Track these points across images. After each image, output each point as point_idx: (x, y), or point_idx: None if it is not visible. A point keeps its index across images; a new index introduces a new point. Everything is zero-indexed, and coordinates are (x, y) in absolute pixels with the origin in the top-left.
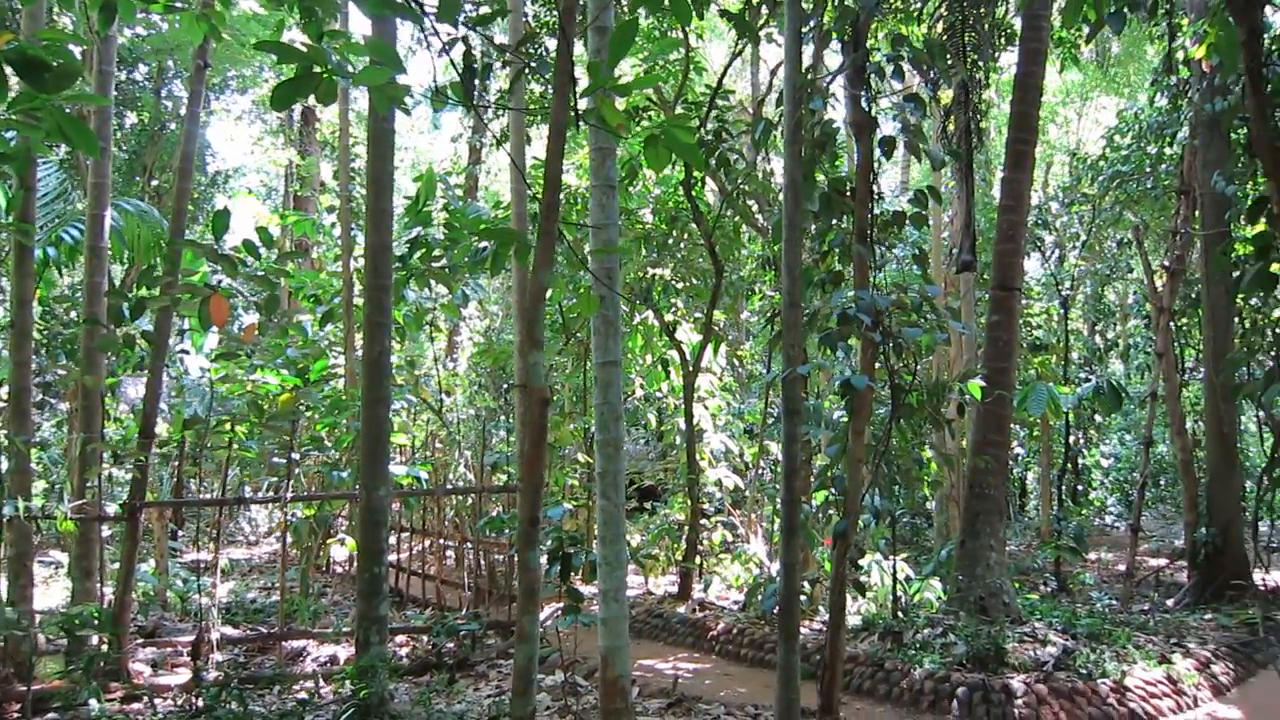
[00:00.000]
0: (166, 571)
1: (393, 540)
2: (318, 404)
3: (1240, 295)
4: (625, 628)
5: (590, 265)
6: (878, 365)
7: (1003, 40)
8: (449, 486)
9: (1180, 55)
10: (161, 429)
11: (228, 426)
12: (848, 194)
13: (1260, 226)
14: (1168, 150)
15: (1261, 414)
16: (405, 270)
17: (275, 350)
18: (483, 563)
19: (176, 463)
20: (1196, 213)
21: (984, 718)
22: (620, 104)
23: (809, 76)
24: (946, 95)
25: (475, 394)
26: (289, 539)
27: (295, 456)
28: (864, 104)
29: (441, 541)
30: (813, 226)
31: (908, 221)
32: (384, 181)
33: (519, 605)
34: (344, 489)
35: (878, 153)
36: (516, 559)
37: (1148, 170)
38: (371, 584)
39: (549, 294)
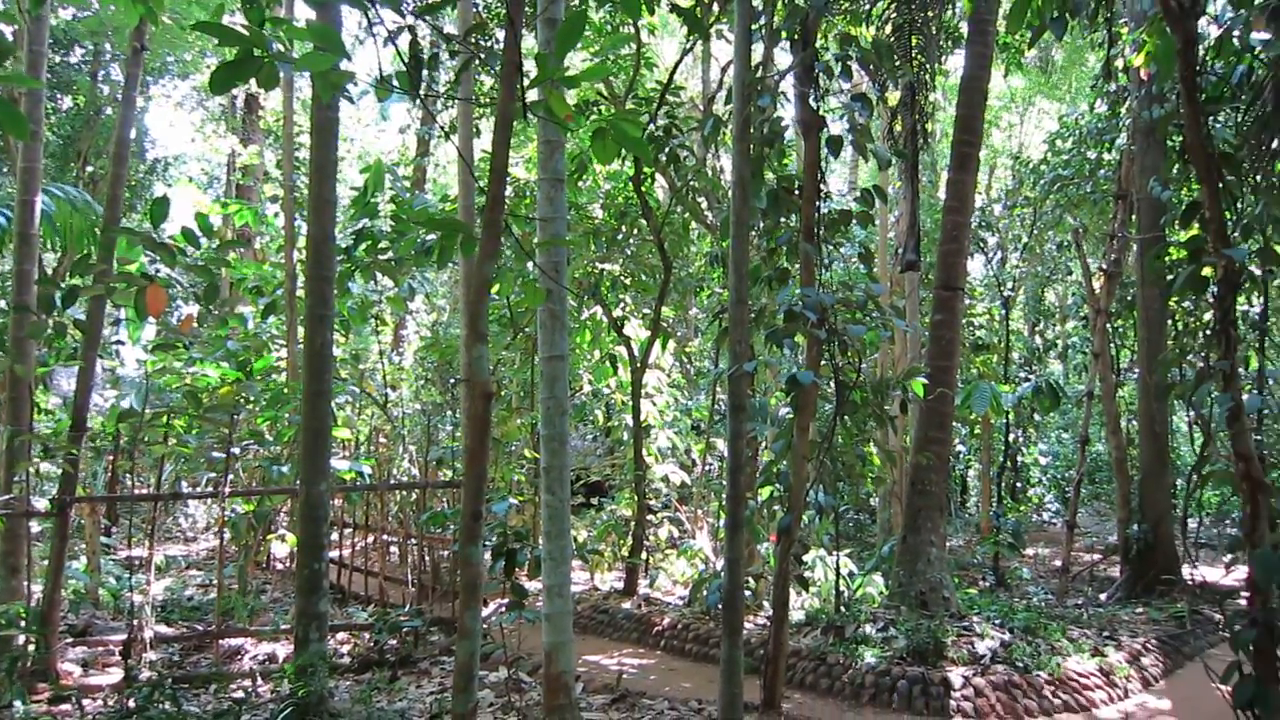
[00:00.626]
0: (99, 569)
1: (335, 536)
2: (259, 397)
3: (1173, 297)
4: (569, 624)
5: (537, 258)
6: (823, 362)
7: (949, 44)
8: (393, 481)
9: (1119, 63)
10: (95, 422)
11: (164, 420)
12: (795, 192)
13: (1193, 230)
14: (1106, 155)
15: (1192, 414)
16: (350, 262)
17: (216, 343)
18: (427, 558)
19: (111, 457)
20: (1133, 217)
21: (923, 710)
22: (570, 98)
23: (758, 74)
24: (894, 97)
25: (421, 389)
26: (227, 535)
27: (235, 451)
28: (812, 102)
29: (385, 537)
30: (760, 224)
31: (854, 220)
32: (327, 170)
33: (460, 601)
34: (285, 484)
35: (825, 151)
36: (459, 554)
37: (1087, 175)
38: (311, 580)
39: (496, 288)
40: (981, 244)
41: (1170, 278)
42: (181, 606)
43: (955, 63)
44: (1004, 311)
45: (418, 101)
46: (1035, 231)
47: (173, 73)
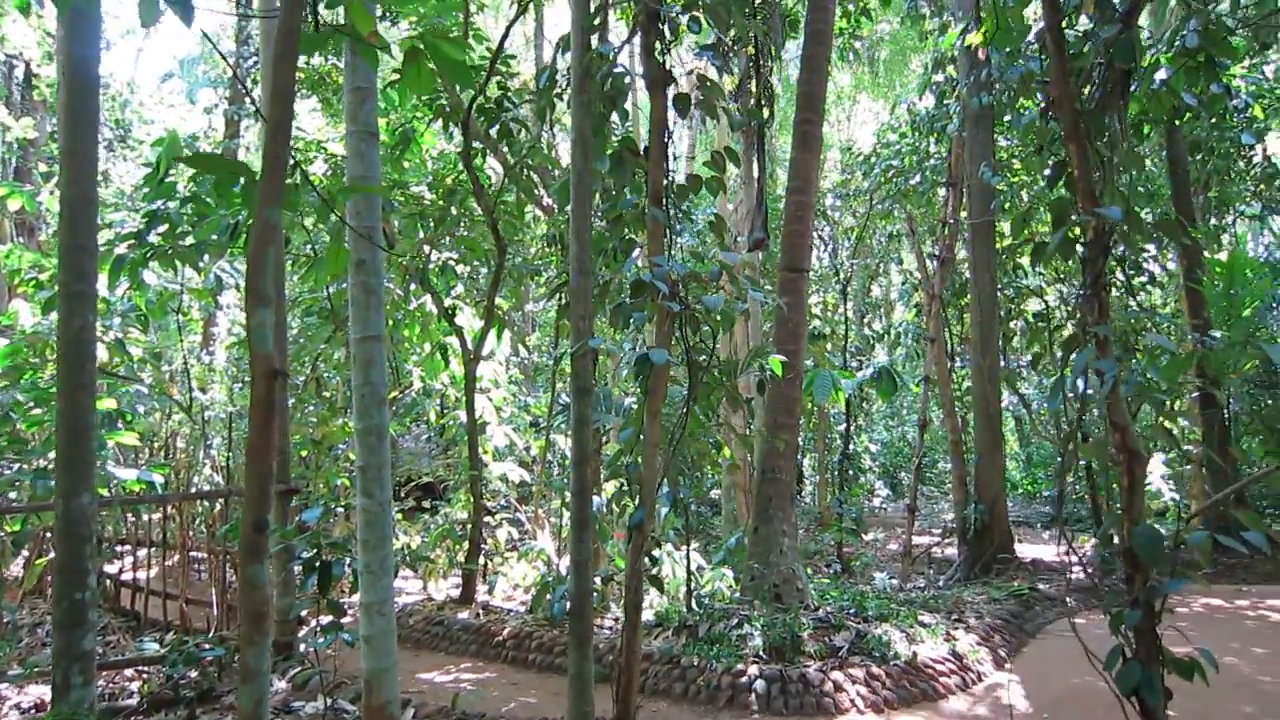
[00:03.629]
0: None
1: (130, 557)
2: (11, 400)
3: (1046, 262)
4: (392, 645)
5: (348, 221)
6: (673, 341)
7: (787, 29)
8: (194, 490)
9: (950, 52)
10: None
11: None
12: (640, 154)
13: (1048, 196)
14: (934, 148)
15: (1016, 399)
16: (144, 248)
17: None
18: (234, 577)
19: None
20: (964, 203)
21: (783, 710)
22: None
23: (596, 20)
24: (733, 81)
25: (238, 391)
26: None
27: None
28: (658, 56)
29: (191, 554)
30: (604, 188)
31: (704, 187)
32: (83, 119)
33: (242, 634)
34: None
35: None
36: (239, 574)
37: (916, 165)
38: (72, 613)
39: (314, 276)
40: (818, 233)
41: (1035, 245)
42: None
43: (796, 53)
44: (842, 299)
45: (189, 24)
46: (867, 223)
47: None
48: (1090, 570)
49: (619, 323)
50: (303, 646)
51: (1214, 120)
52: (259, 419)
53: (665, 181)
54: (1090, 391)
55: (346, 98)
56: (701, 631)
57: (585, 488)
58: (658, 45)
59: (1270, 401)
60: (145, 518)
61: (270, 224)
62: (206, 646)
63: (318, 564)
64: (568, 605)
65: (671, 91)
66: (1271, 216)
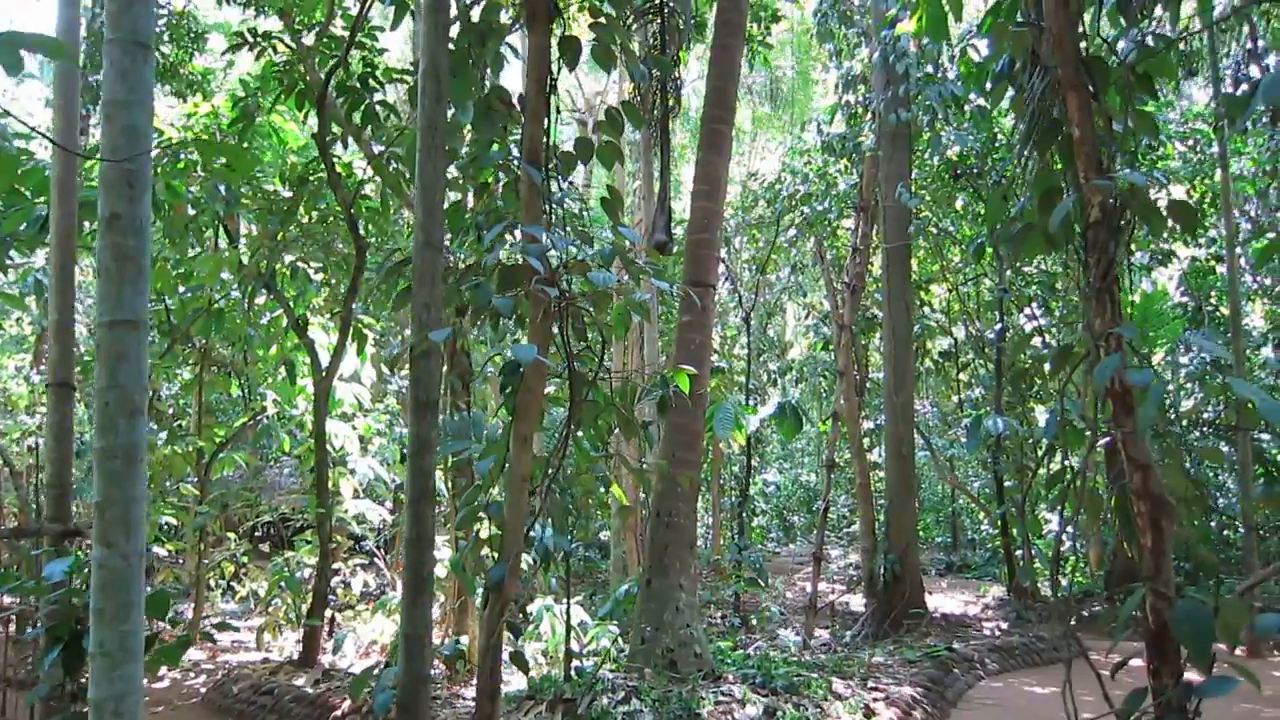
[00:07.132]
0: None
1: None
2: None
3: (1036, 249)
4: None
5: (101, 154)
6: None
7: (694, 33)
8: None
9: (865, 71)
10: None
11: None
12: (515, 104)
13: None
14: (840, 176)
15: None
16: None
17: None
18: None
19: None
20: (876, 227)
21: None
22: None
23: None
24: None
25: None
26: None
27: None
28: None
29: None
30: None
31: (595, 157)
32: None
33: None
34: None
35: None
36: None
37: (824, 190)
38: None
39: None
40: (719, 260)
41: (1019, 230)
42: None
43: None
44: (747, 332)
45: None
46: (771, 253)
47: None
48: (1007, 629)
49: (479, 318)
50: None
51: (1126, 156)
52: None
53: (546, 142)
54: (1080, 417)
55: None
56: (582, 708)
57: (424, 535)
58: None
59: (1171, 445)
60: None
61: None
62: None
63: (65, 633)
64: (394, 698)
65: (558, 31)
66: (1158, 268)
